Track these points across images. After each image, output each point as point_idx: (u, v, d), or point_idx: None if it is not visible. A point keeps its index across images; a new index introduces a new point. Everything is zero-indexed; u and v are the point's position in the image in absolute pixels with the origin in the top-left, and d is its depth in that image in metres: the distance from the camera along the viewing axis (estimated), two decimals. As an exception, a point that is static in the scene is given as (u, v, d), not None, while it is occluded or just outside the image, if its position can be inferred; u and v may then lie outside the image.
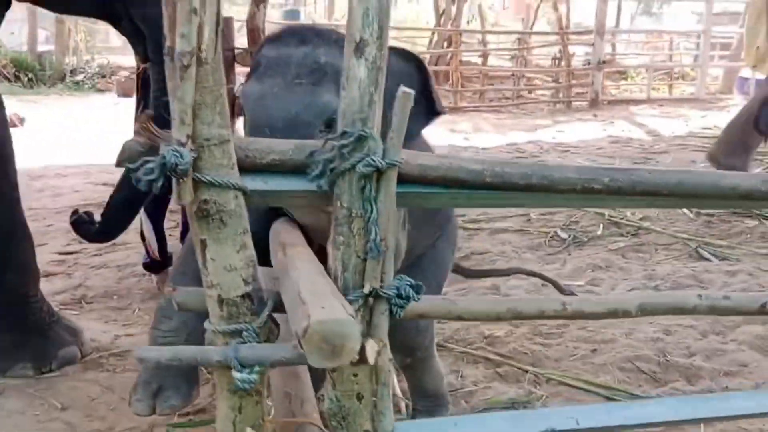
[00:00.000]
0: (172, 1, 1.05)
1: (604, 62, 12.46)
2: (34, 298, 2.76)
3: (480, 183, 1.28)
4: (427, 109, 1.61)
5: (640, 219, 4.70)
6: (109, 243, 4.44)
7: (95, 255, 4.23)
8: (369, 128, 1.17)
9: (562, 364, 2.79)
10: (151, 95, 2.62)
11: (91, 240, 3.01)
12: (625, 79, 15.28)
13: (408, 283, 1.23)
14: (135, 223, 4.21)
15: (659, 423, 1.54)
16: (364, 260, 1.21)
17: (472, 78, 13.06)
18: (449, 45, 13.03)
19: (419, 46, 14.23)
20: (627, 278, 3.74)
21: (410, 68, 1.61)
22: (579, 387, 2.59)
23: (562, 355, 2.86)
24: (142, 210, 3.63)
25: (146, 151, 1.20)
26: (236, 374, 1.14)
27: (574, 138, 8.45)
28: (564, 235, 4.41)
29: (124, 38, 2.91)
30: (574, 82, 12.66)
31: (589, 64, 12.73)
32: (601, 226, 4.59)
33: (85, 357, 2.85)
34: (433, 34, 14.24)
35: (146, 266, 3.75)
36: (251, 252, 1.18)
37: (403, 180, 1.23)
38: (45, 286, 3.01)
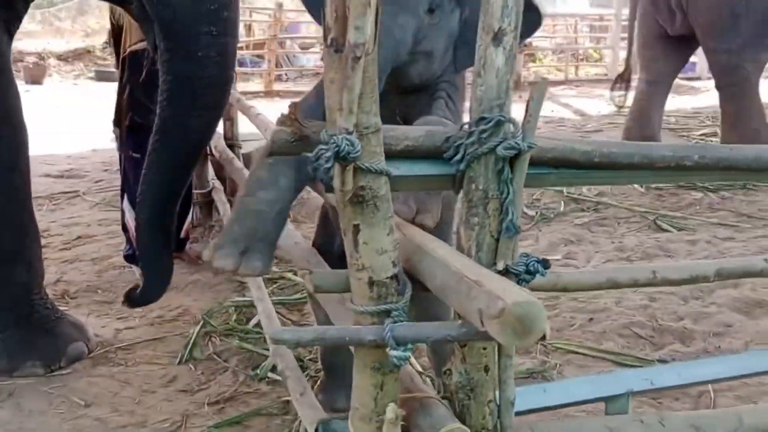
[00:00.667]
0: (343, -8, 1.09)
1: (525, 45, 12.84)
2: (39, 295, 2.69)
3: (589, 163, 1.38)
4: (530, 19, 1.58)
5: (596, 195, 4.93)
6: (75, 236, 4.35)
7: (64, 249, 4.09)
8: (506, 113, 1.24)
9: (564, 334, 2.94)
10: (160, 84, 2.55)
11: (145, 302, 2.70)
12: (534, 61, 15.76)
13: (535, 258, 1.31)
14: (116, 215, 4.11)
15: (721, 379, 1.70)
16: (497, 240, 1.28)
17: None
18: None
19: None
20: (599, 251, 3.95)
21: None
22: (587, 354, 2.75)
23: (562, 326, 3.01)
24: (125, 200, 3.56)
25: (294, 140, 1.24)
26: (393, 352, 1.19)
27: (508, 119, 8.68)
28: (531, 213, 4.58)
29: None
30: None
31: (511, 46, 13.06)
32: (562, 202, 4.79)
33: (91, 352, 2.80)
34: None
35: (128, 257, 3.65)
36: (397, 235, 1.23)
37: (521, 162, 1.30)
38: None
